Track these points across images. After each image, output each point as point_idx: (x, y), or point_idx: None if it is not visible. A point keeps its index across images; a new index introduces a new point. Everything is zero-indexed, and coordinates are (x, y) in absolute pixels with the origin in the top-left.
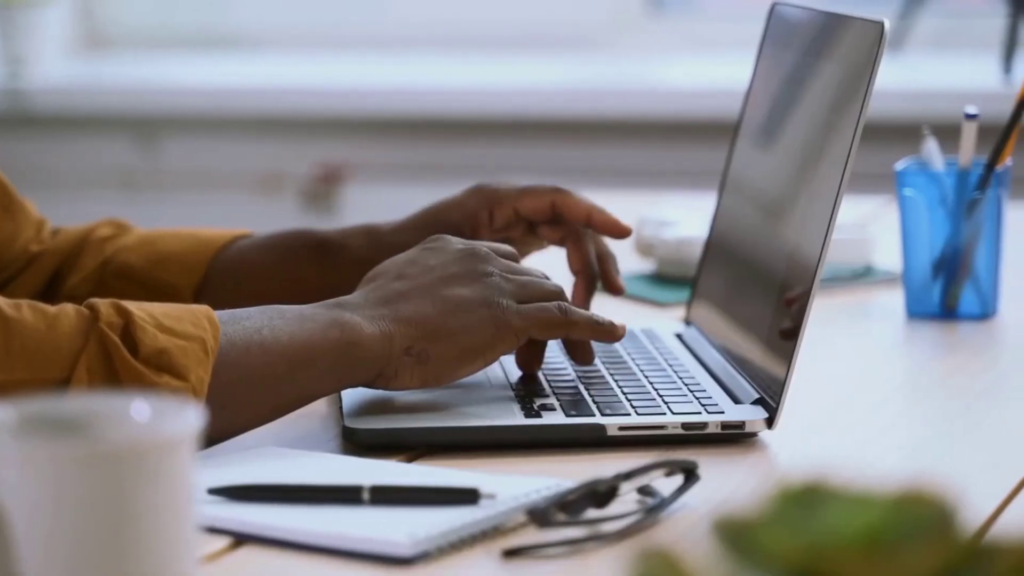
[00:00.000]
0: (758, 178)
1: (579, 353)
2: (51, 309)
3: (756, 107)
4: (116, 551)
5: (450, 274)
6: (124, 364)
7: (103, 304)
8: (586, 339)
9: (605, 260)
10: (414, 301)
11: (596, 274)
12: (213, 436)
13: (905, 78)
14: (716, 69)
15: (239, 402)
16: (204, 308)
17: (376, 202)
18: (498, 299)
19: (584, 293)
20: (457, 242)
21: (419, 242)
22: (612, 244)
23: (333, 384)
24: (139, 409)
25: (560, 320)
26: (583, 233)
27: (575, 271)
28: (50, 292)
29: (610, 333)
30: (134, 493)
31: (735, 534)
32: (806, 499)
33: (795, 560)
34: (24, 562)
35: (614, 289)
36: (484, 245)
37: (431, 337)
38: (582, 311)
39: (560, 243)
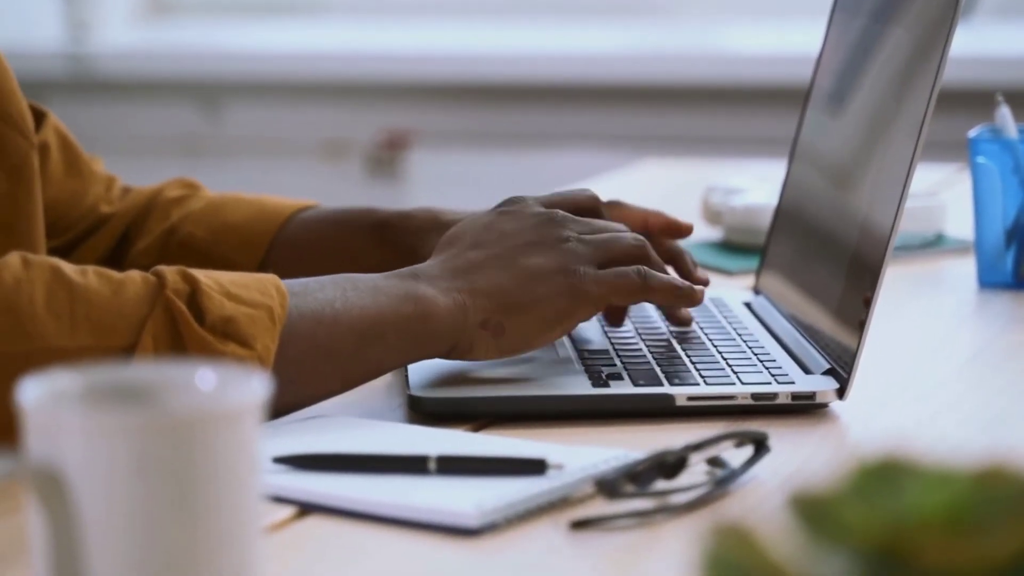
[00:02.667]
0: (829, 146)
1: (675, 320)
2: (117, 275)
3: (827, 74)
4: (180, 520)
5: (526, 242)
6: (190, 331)
7: (170, 271)
8: (666, 304)
9: (680, 259)
10: (489, 272)
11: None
12: (282, 408)
13: (978, 45)
14: (785, 34)
15: (309, 374)
16: (271, 277)
17: (441, 168)
18: (575, 266)
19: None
20: (534, 205)
21: None
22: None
23: (406, 357)
24: (204, 378)
25: (639, 286)
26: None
27: None
28: (117, 255)
29: (689, 297)
30: (199, 463)
31: (811, 510)
32: (885, 475)
33: (874, 537)
34: (87, 530)
35: (698, 282)
36: (562, 202)
37: (507, 309)
38: (661, 276)
39: None
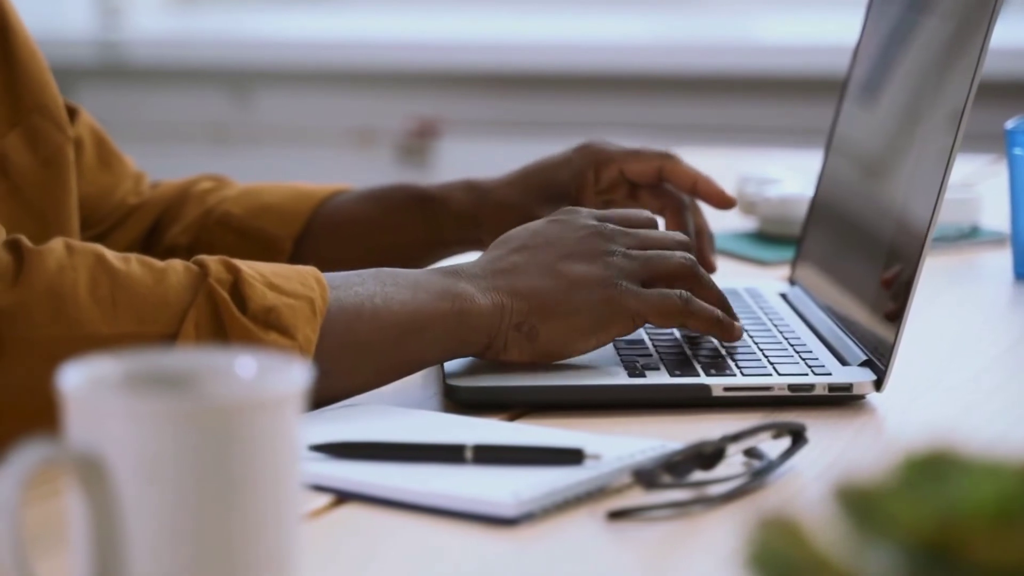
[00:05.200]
0: (866, 137)
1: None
2: (160, 263)
3: (865, 64)
4: (220, 507)
5: (570, 251)
6: (232, 320)
7: (212, 260)
8: (703, 333)
9: (701, 236)
10: (530, 275)
11: (693, 248)
12: (317, 401)
13: (1014, 36)
14: (819, 24)
15: (346, 368)
16: (311, 269)
17: (470, 157)
18: (617, 280)
19: None
20: (587, 216)
21: (522, 199)
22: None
23: (441, 354)
24: (245, 366)
25: (679, 310)
26: (684, 206)
27: None
28: (150, 243)
29: (728, 332)
30: (239, 450)
31: (858, 502)
32: (932, 468)
33: (922, 530)
34: (127, 516)
35: (706, 267)
36: (614, 217)
37: (542, 314)
38: (704, 305)
39: (659, 213)
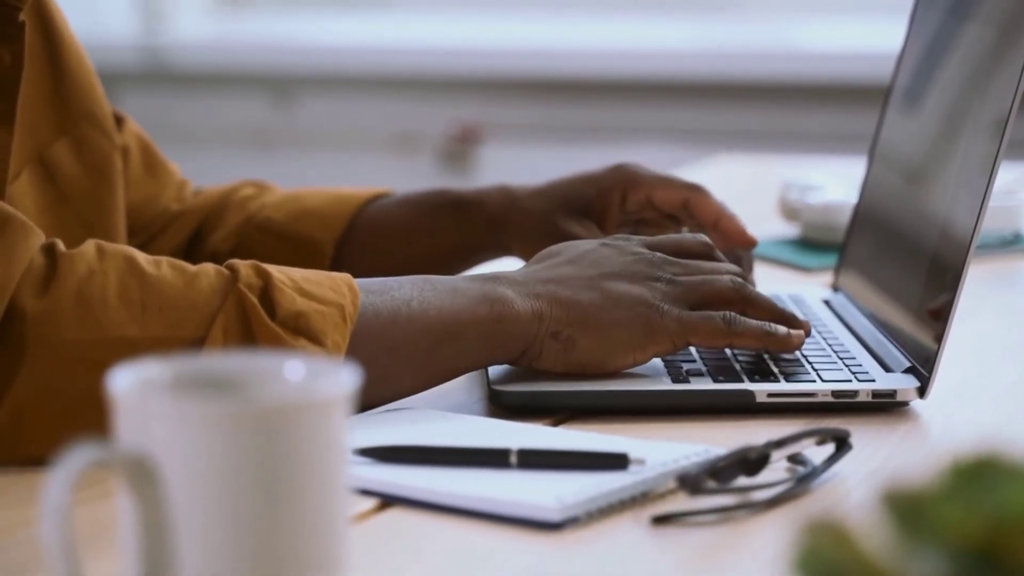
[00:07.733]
0: (910, 144)
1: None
2: (191, 267)
3: (908, 71)
4: (268, 509)
5: (616, 272)
6: (261, 325)
7: (243, 265)
8: (757, 350)
9: (739, 260)
10: (572, 286)
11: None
12: (356, 406)
13: None
14: (861, 31)
15: (382, 374)
16: (344, 276)
17: (512, 162)
18: (659, 302)
19: None
20: (637, 244)
21: (546, 207)
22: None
23: (478, 359)
24: (293, 369)
25: (723, 331)
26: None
27: None
28: (192, 250)
29: (783, 343)
30: (287, 453)
31: (906, 508)
32: (980, 474)
33: (971, 536)
34: (176, 516)
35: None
36: (666, 244)
37: (581, 325)
38: (749, 322)
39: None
